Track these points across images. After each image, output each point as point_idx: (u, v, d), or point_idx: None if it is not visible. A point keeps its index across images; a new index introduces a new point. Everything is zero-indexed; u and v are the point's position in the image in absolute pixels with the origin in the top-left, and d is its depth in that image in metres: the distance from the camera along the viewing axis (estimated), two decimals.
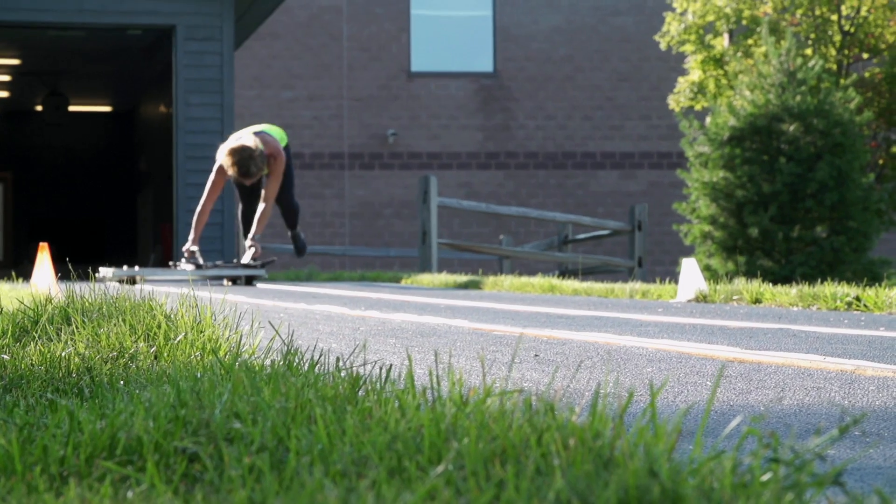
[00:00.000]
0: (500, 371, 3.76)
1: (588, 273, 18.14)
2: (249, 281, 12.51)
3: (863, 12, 21.29)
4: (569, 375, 3.38)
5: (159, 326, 3.57)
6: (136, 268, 12.34)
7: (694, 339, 5.05)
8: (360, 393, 2.56)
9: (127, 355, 3.27)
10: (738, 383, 3.57)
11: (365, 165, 26.45)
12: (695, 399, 3.28)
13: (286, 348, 2.97)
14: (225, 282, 12.50)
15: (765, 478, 1.66)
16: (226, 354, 3.31)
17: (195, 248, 12.52)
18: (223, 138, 19.12)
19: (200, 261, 12.53)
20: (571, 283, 11.32)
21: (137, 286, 10.58)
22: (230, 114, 19.07)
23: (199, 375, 2.71)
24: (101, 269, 12.56)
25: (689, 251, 22.01)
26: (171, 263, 13.37)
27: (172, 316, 3.68)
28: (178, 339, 3.44)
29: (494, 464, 1.94)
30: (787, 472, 1.66)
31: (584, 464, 1.85)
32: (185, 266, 12.53)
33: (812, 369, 3.88)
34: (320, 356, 2.94)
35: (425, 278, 13.42)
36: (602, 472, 1.77)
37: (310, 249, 21.73)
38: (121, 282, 11.54)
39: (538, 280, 11.86)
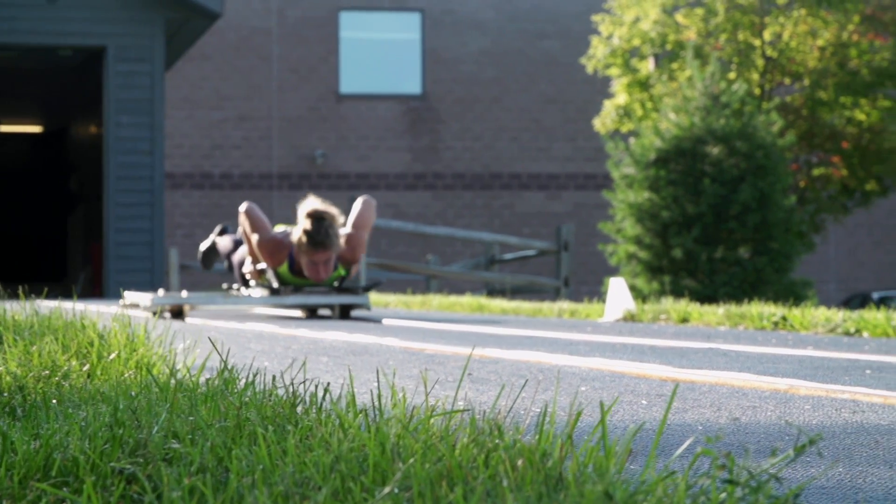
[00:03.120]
0: (436, 390, 3.73)
1: (515, 292, 18.17)
2: (345, 312, 9.20)
3: (785, 38, 21.55)
4: (507, 394, 3.36)
5: (91, 344, 3.51)
6: (184, 293, 9.24)
7: (626, 358, 5.06)
8: (299, 411, 2.52)
9: (60, 373, 3.21)
10: (673, 402, 3.57)
11: (293, 186, 26.40)
12: (632, 418, 3.27)
13: (222, 366, 2.92)
14: (300, 312, 9.64)
15: (721, 497, 1.65)
16: (160, 373, 3.26)
17: (264, 265, 9.51)
18: (153, 158, 19.13)
19: (275, 283, 9.40)
20: (500, 303, 11.34)
21: (188, 319, 8.29)
22: (160, 134, 18.98)
23: (133, 394, 2.66)
24: (128, 293, 9.79)
25: (613, 271, 22.13)
26: (225, 286, 10.29)
27: (105, 334, 3.62)
28: (111, 356, 3.38)
29: (441, 485, 1.91)
30: (743, 493, 1.65)
31: (534, 485, 1.82)
32: (252, 292, 9.60)
33: (746, 388, 3.89)
34: (255, 375, 2.89)
35: None
36: (553, 493, 1.75)
37: None
38: (155, 313, 8.68)
39: (466, 299, 11.87)
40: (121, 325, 3.59)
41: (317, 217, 8.98)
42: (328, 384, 2.68)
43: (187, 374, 3.06)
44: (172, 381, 2.80)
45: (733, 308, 8.65)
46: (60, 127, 31.20)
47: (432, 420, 2.21)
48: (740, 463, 1.71)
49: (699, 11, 21.67)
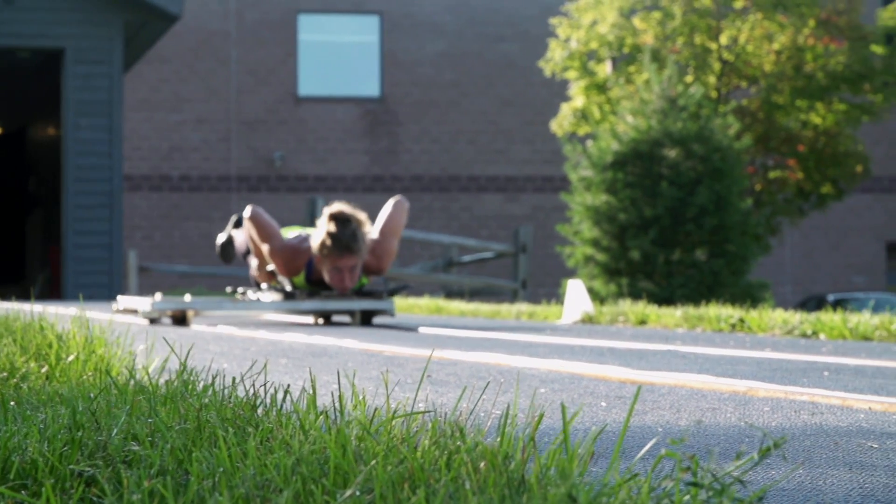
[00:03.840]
0: (396, 392, 3.72)
1: (474, 295, 18.19)
2: (367, 318, 8.56)
3: (741, 42, 21.67)
4: (467, 397, 3.36)
5: (50, 346, 3.48)
6: (188, 297, 8.54)
7: (585, 360, 5.06)
8: (259, 413, 2.51)
9: (18, 375, 3.18)
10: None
11: (252, 188, 26.38)
12: (592, 420, 3.27)
13: (181, 368, 2.91)
14: (314, 319, 8.89)
15: (684, 499, 1.65)
16: (119, 375, 3.24)
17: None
18: (112, 160, 19.06)
19: (288, 286, 8.67)
20: (458, 305, 11.34)
21: (194, 326, 7.74)
22: (119, 136, 18.93)
23: (92, 396, 2.64)
24: (123, 298, 9.19)
25: (571, 273, 22.20)
26: (229, 289, 9.43)
27: (64, 336, 3.59)
28: (70, 358, 3.36)
29: (404, 488, 1.91)
30: (707, 496, 1.65)
31: (497, 487, 1.82)
32: (262, 295, 8.80)
33: (705, 390, 3.90)
34: (215, 377, 2.88)
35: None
36: (516, 496, 1.75)
37: (196, 271, 21.65)
38: (152, 321, 8.35)
39: (425, 301, 11.86)
40: (79, 326, 3.57)
41: (342, 219, 8.26)
42: (288, 386, 2.68)
43: (146, 376, 3.04)
44: (132, 383, 2.78)
45: (691, 310, 8.69)
46: (19, 128, 31.04)
47: (394, 422, 2.20)
48: (704, 465, 1.71)
49: (656, 15, 21.75)
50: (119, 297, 9.12)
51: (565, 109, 22.65)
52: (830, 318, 7.45)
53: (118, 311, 8.95)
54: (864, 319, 7.27)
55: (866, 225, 28.75)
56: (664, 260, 18.16)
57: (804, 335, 7.40)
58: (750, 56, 21.71)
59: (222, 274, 22.63)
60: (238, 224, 9.64)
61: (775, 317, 7.86)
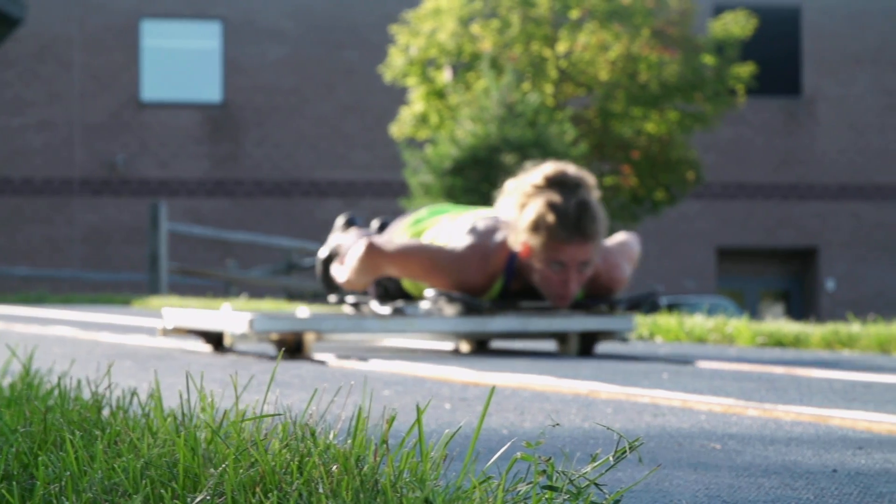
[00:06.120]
0: (242, 394, 3.70)
1: (315, 297, 18.14)
2: (587, 345, 5.74)
3: (577, 51, 21.97)
4: (316, 399, 3.35)
5: None
6: (303, 311, 6.56)
7: (427, 362, 5.08)
8: (106, 416, 2.48)
9: None
10: (476, 406, 3.60)
11: (95, 192, 26.06)
12: (437, 423, 3.29)
13: (24, 371, 2.85)
14: (461, 345, 6.05)
15: (540, 502, 1.67)
16: None
17: None
18: None
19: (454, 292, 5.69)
20: (302, 308, 11.31)
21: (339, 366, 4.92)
22: None
23: None
24: (170, 311, 5.94)
25: None
26: (333, 299, 6.48)
27: None
28: None
29: (255, 491, 1.90)
30: (563, 499, 1.67)
31: (351, 490, 1.82)
32: (428, 307, 5.73)
33: (548, 392, 3.94)
34: (60, 378, 2.83)
35: (155, 301, 13.42)
36: (371, 500, 1.75)
37: (39, 274, 21.25)
38: (219, 350, 5.73)
39: (267, 304, 11.80)
40: None
41: (569, 184, 5.43)
42: (135, 388, 2.64)
43: None
44: None
45: None
46: None
47: (243, 424, 2.19)
48: (559, 468, 1.73)
49: (494, 23, 21.92)
50: (165, 311, 6.00)
51: (405, 113, 22.70)
52: (667, 320, 7.59)
53: (166, 333, 5.91)
54: (698, 322, 7.42)
55: (697, 230, 29.40)
56: None
57: (641, 338, 7.53)
58: (585, 65, 22.01)
59: (64, 277, 22.25)
60: (349, 225, 6.63)
61: None
